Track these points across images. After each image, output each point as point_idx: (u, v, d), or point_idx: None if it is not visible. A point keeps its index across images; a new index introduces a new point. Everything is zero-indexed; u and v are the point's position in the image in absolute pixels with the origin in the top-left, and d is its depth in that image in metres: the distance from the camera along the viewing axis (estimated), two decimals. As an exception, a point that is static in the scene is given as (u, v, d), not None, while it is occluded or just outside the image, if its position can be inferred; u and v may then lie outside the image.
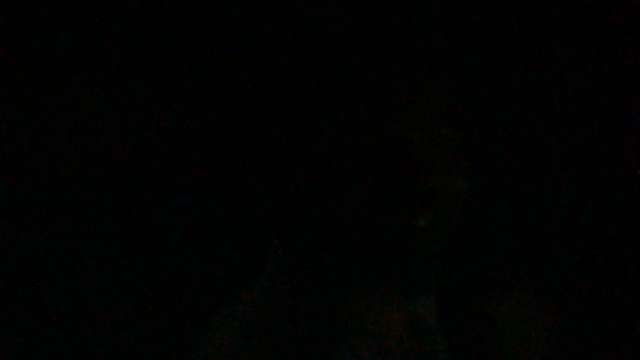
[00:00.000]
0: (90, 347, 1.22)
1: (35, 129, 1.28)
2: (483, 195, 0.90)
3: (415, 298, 0.96)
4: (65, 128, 1.29)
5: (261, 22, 0.95)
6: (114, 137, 1.25)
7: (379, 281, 0.84)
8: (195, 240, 1.22)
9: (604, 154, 1.24)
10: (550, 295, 1.22)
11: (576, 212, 1.25)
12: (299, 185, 0.85)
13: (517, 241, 1.17)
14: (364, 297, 0.87)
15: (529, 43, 1.17)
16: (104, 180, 1.24)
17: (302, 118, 0.84)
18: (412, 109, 0.81)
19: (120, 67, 1.28)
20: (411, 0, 0.87)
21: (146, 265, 1.23)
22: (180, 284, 1.22)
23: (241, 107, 1.06)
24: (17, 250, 1.26)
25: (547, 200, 1.24)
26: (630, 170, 1.25)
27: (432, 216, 0.81)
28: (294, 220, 0.88)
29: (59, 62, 1.29)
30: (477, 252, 0.98)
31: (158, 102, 1.24)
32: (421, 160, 0.80)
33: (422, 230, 0.81)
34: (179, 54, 1.21)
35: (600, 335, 1.24)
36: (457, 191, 0.83)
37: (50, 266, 1.24)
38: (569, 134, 1.23)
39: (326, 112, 0.82)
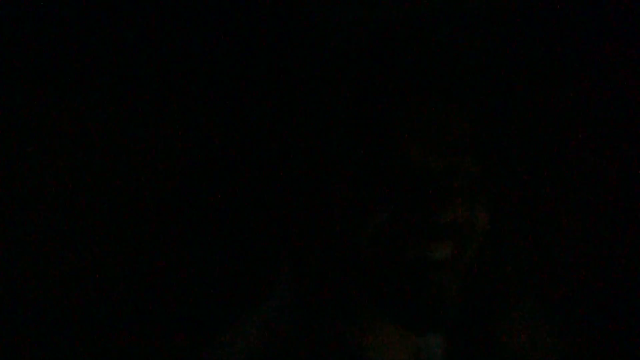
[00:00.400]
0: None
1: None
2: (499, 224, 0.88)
3: (424, 335, 0.93)
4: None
5: (287, 50, 0.94)
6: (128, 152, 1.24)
7: (389, 316, 0.81)
8: (204, 259, 1.22)
9: (621, 176, 1.23)
10: (559, 309, 1.21)
11: (586, 225, 1.24)
12: (315, 210, 0.83)
13: (526, 256, 1.17)
14: (370, 329, 0.85)
15: (547, 74, 1.16)
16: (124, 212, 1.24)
17: (322, 145, 0.82)
18: (434, 137, 0.78)
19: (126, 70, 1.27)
20: (434, 29, 0.85)
21: (149, 282, 1.23)
22: (183, 305, 1.21)
23: (260, 131, 1.06)
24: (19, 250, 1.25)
25: (556, 214, 1.24)
26: None
27: (450, 249, 0.78)
28: (307, 246, 0.86)
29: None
30: (487, 271, 0.97)
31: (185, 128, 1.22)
32: (442, 189, 0.77)
33: (438, 265, 0.77)
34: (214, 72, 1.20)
35: (610, 348, 1.24)
36: (477, 223, 0.80)
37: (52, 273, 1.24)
38: (585, 161, 1.23)
39: (347, 138, 0.80)
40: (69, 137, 1.27)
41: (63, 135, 1.27)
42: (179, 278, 1.23)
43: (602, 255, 1.26)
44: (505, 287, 1.01)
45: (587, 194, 1.25)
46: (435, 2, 0.88)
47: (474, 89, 0.85)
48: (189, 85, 1.22)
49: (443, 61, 0.83)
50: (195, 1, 1.28)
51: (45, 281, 1.23)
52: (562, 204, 1.24)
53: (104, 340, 1.22)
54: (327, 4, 0.90)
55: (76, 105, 1.28)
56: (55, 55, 1.28)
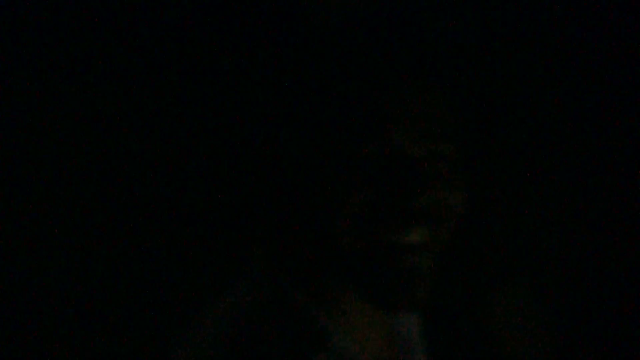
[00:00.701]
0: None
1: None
2: (478, 204, 0.88)
3: (398, 315, 0.95)
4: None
5: (265, 29, 0.94)
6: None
7: (363, 295, 0.81)
8: (181, 242, 1.22)
9: (596, 158, 1.23)
10: (547, 293, 1.21)
11: (572, 211, 1.24)
12: (292, 193, 0.84)
13: (512, 241, 1.16)
14: (341, 311, 0.86)
15: (526, 64, 1.16)
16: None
17: (302, 128, 0.83)
18: (416, 124, 0.79)
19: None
20: (415, 19, 0.85)
21: (120, 269, 1.23)
22: (155, 289, 1.21)
23: (240, 113, 1.06)
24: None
25: (542, 200, 1.23)
26: (623, 171, 1.24)
27: (424, 234, 0.79)
28: (282, 228, 0.86)
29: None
30: (472, 253, 0.97)
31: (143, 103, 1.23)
32: (419, 175, 0.78)
33: (413, 248, 0.78)
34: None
35: (597, 332, 1.23)
36: (452, 207, 0.81)
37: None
38: (561, 145, 1.22)
39: (327, 123, 0.80)
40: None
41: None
42: (157, 260, 1.23)
43: (590, 246, 1.25)
44: (493, 276, 1.01)
45: (574, 183, 1.24)
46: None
47: (457, 76, 0.85)
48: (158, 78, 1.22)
49: (427, 50, 0.83)
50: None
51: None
52: (549, 195, 1.23)
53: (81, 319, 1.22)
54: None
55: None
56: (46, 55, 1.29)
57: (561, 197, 1.22)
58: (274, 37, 0.88)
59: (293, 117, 0.84)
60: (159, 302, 1.21)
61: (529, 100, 1.19)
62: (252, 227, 0.94)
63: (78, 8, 1.29)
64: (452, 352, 0.99)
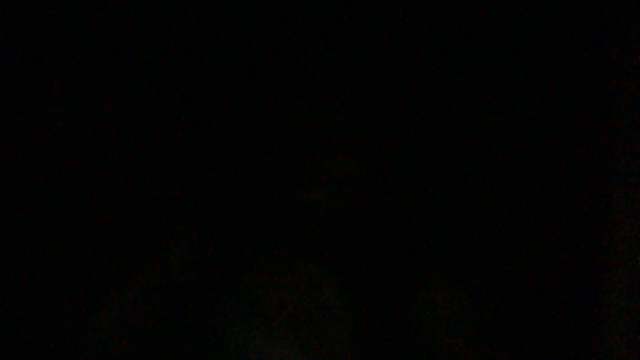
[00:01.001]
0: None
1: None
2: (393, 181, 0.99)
3: (313, 271, 1.03)
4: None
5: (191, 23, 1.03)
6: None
7: (275, 245, 0.93)
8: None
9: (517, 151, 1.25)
10: (471, 287, 1.24)
11: (493, 208, 1.26)
12: (206, 162, 0.94)
13: (439, 234, 1.20)
14: (264, 272, 0.95)
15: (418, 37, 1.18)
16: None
17: (213, 109, 0.92)
18: (312, 99, 0.90)
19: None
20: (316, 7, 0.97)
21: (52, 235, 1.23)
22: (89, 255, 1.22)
23: (157, 101, 1.09)
24: None
25: (463, 194, 1.24)
26: (541, 157, 1.26)
27: (325, 192, 0.91)
28: (207, 193, 0.95)
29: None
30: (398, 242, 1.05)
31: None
32: (318, 142, 0.89)
33: (317, 203, 0.90)
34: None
35: (519, 325, 1.26)
36: (351, 170, 0.91)
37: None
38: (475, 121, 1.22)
39: (237, 104, 0.90)
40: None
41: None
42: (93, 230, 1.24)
43: (512, 242, 1.28)
44: (424, 270, 1.09)
45: (496, 177, 1.25)
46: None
47: (352, 55, 0.96)
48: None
49: (325, 34, 0.96)
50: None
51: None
52: (471, 189, 1.24)
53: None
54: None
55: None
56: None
57: (483, 192, 1.24)
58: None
59: (206, 105, 0.95)
60: (93, 267, 1.22)
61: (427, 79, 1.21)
62: (183, 194, 1.00)
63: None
64: (377, 330, 1.05)
